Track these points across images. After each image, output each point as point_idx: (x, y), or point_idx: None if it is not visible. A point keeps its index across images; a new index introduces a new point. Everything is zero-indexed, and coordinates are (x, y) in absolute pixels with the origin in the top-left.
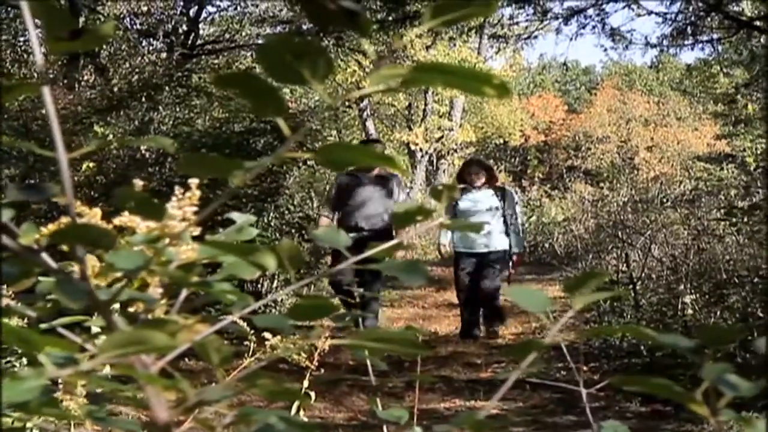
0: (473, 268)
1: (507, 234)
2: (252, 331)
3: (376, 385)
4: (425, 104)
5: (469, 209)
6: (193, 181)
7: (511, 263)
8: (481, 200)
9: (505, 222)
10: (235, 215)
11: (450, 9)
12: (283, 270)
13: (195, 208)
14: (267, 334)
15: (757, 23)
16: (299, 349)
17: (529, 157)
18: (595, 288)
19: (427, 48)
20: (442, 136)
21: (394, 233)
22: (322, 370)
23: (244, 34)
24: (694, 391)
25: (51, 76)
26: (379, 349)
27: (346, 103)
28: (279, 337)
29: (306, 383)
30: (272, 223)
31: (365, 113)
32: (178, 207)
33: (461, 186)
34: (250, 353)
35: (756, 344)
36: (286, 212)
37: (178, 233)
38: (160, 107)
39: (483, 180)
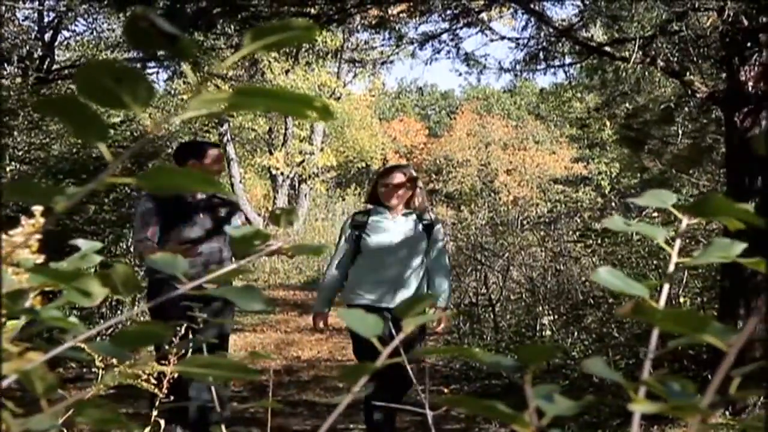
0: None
1: (425, 283)
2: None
3: (239, 410)
4: (286, 128)
5: (380, 244)
6: (37, 209)
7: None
8: (398, 229)
9: (422, 264)
10: (80, 242)
11: (269, 33)
12: (119, 295)
13: (38, 236)
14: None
15: (607, 49)
16: (129, 375)
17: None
18: (424, 310)
19: (287, 72)
20: (303, 161)
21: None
22: (172, 397)
23: (100, 59)
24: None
25: None
26: (208, 375)
27: (205, 128)
28: (115, 363)
29: (155, 411)
30: (131, 249)
31: (225, 137)
32: (23, 234)
33: (367, 208)
34: (98, 380)
35: (584, 365)
36: None
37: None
38: (15, 132)
39: (404, 199)
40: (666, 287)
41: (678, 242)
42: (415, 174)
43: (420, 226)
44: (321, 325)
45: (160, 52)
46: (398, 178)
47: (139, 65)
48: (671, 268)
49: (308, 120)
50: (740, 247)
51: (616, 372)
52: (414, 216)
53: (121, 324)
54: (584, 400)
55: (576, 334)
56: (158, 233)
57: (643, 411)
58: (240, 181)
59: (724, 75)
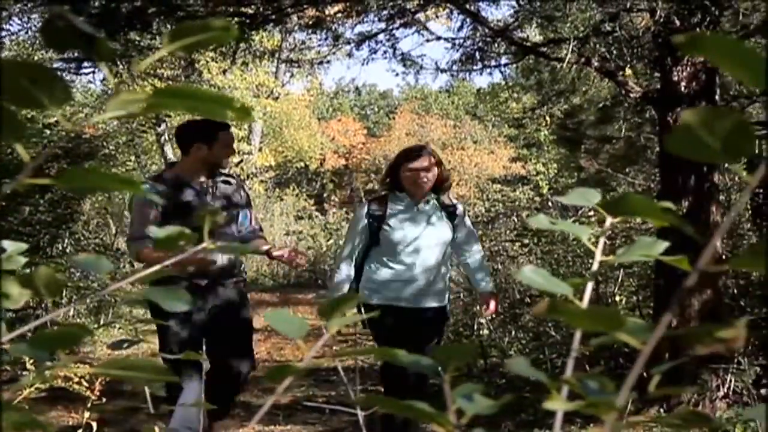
0: (399, 335)
1: (448, 277)
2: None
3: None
4: None
5: (404, 236)
6: None
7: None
8: (422, 219)
9: (447, 256)
10: (5, 243)
11: (188, 33)
12: (40, 296)
13: None
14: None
15: (542, 49)
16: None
17: (325, 181)
18: (349, 311)
19: (224, 72)
20: (242, 161)
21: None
22: (104, 399)
23: (36, 58)
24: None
25: None
26: (125, 376)
27: (141, 128)
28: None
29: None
30: (68, 250)
31: (163, 138)
32: None
33: (381, 194)
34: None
35: (508, 364)
36: (82, 238)
37: None
38: None
39: (431, 184)
40: (590, 286)
41: (602, 241)
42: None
43: (444, 213)
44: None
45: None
46: (426, 160)
47: (74, 65)
48: (595, 266)
49: (229, 120)
50: (663, 245)
51: (552, 370)
52: (436, 202)
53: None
54: (503, 398)
55: (513, 332)
56: (157, 225)
57: (558, 409)
58: None
59: (657, 75)
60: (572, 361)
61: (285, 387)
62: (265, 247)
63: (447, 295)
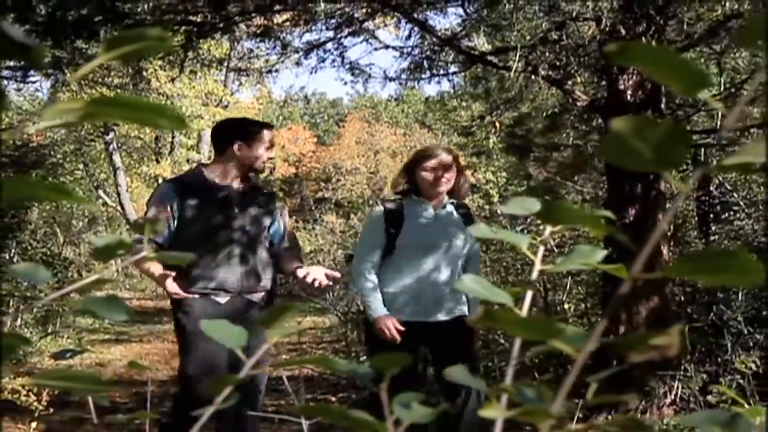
0: (431, 354)
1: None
2: None
3: (124, 423)
4: (173, 137)
5: (422, 243)
6: None
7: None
8: (441, 224)
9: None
10: None
11: (123, 43)
12: None
13: None
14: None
15: (490, 58)
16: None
17: (274, 189)
18: (294, 320)
19: (173, 80)
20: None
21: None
22: (51, 410)
23: None
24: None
25: None
26: (64, 387)
27: (89, 137)
28: None
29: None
30: (15, 259)
31: (111, 146)
32: None
33: (394, 197)
34: None
35: (446, 373)
36: (29, 248)
37: None
38: None
39: (450, 185)
40: (529, 294)
41: (541, 250)
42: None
43: (461, 220)
44: (392, 327)
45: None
46: (446, 158)
47: (20, 73)
48: (534, 275)
49: (164, 129)
50: (601, 253)
51: (501, 378)
52: (453, 207)
53: None
54: (440, 406)
55: None
56: (168, 230)
57: (493, 416)
58: (127, 190)
59: (604, 84)
60: (512, 370)
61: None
62: (294, 266)
63: (465, 307)
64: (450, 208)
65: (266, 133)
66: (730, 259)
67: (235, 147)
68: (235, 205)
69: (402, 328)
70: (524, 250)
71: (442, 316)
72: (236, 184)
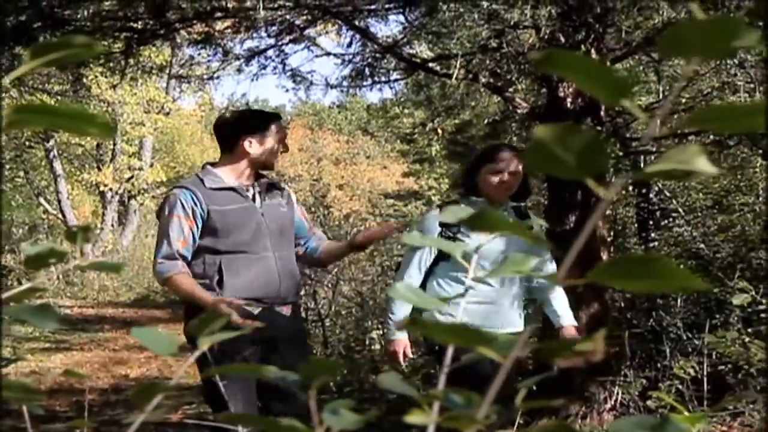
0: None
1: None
2: None
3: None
4: (114, 144)
5: (488, 252)
6: None
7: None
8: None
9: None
10: None
11: (50, 50)
12: None
13: None
14: None
15: (431, 65)
16: None
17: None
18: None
19: (114, 87)
20: (133, 176)
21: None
22: None
23: None
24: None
25: None
26: None
27: (29, 143)
28: None
29: None
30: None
31: (52, 153)
32: None
33: (452, 199)
34: None
35: (378, 380)
36: None
37: None
38: None
39: (515, 189)
40: (462, 302)
41: (475, 257)
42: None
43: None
44: (402, 354)
45: None
46: (512, 161)
47: None
48: (468, 282)
49: (92, 136)
50: (533, 261)
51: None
52: (513, 211)
53: None
54: (368, 414)
55: None
56: (192, 241)
57: (418, 423)
58: (68, 198)
59: (544, 91)
60: (443, 376)
61: (154, 406)
62: (347, 240)
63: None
64: (512, 211)
65: (276, 125)
66: (651, 265)
67: (246, 143)
68: (260, 207)
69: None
70: (458, 257)
71: (509, 329)
72: (254, 183)
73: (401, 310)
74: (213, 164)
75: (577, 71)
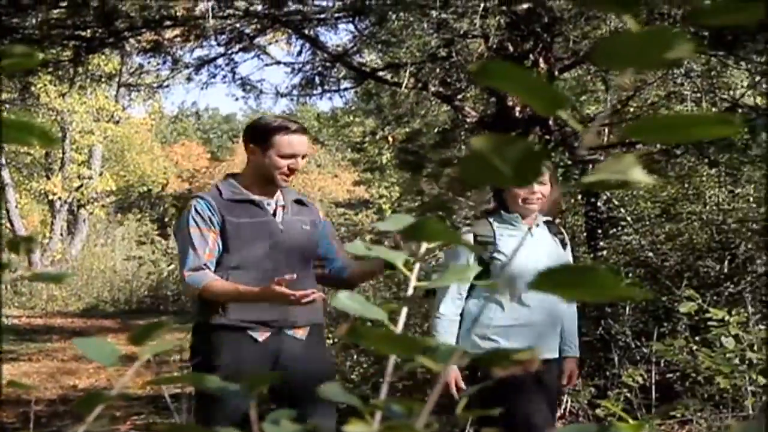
0: (542, 400)
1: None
2: None
3: None
4: (63, 152)
5: (522, 269)
6: None
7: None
8: (539, 246)
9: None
10: None
11: None
12: None
13: None
14: None
15: (381, 74)
16: None
17: (167, 205)
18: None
19: (63, 95)
20: (82, 185)
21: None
22: None
23: None
24: None
25: None
26: None
27: None
28: None
29: None
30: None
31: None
32: None
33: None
34: None
35: (320, 390)
36: None
37: None
38: None
39: (544, 205)
40: (404, 311)
41: (417, 266)
42: None
43: (558, 241)
44: (454, 385)
45: None
46: (543, 175)
47: None
48: (409, 291)
49: (34, 146)
50: (475, 270)
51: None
52: (546, 227)
53: None
54: (308, 425)
55: (355, 357)
56: (217, 253)
57: None
58: (16, 207)
59: (493, 100)
60: (386, 386)
61: (96, 415)
62: (374, 261)
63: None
64: (545, 227)
65: (280, 138)
66: (590, 274)
67: (250, 152)
68: (280, 222)
69: None
70: (400, 267)
71: (550, 353)
72: (273, 197)
73: (450, 324)
74: (234, 174)
75: (513, 83)
